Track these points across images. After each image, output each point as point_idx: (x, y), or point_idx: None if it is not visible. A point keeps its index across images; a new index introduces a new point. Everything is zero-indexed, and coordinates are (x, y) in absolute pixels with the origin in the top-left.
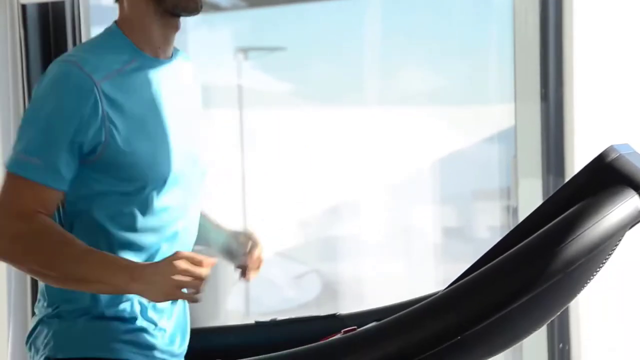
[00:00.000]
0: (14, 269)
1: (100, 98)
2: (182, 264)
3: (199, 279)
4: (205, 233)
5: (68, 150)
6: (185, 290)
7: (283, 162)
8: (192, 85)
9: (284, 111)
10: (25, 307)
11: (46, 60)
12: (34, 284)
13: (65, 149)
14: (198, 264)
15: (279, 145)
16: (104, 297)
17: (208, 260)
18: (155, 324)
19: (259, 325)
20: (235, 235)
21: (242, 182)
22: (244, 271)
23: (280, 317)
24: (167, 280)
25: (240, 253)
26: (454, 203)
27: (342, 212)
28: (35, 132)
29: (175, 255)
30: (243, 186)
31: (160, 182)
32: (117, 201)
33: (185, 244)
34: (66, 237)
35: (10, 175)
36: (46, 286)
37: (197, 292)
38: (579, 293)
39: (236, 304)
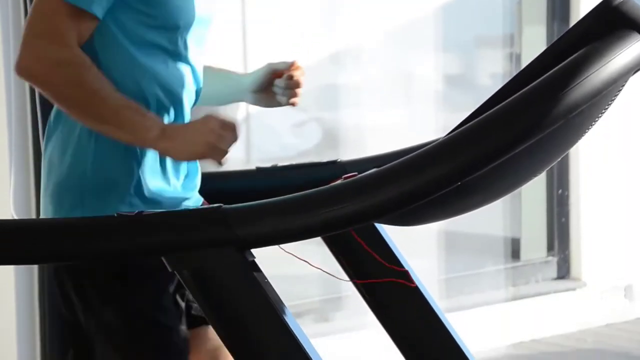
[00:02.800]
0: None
1: None
2: (216, 125)
3: (231, 141)
4: (221, 82)
5: None
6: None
7: (283, 7)
8: None
9: None
10: (32, 304)
11: None
12: (42, 282)
13: None
14: (229, 127)
15: None
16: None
17: (237, 126)
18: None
19: (259, 171)
20: (267, 67)
21: (243, 29)
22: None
23: (280, 164)
24: (200, 138)
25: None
26: (456, 50)
27: (343, 59)
28: None
29: (209, 117)
30: (243, 33)
31: (187, 27)
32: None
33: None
34: (104, 78)
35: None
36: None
37: (225, 153)
38: (580, 139)
39: (237, 151)
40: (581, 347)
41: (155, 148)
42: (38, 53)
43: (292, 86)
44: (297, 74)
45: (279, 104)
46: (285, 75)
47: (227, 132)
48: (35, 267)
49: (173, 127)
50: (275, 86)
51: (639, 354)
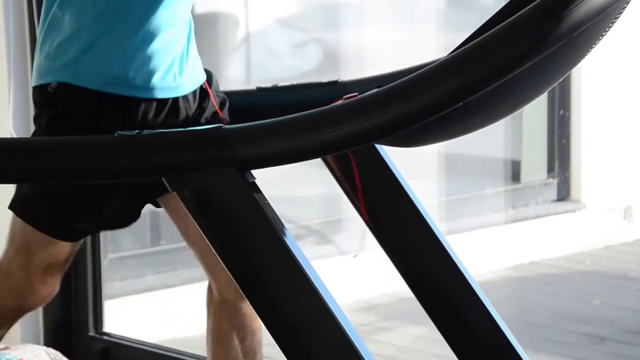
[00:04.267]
0: None
1: None
2: None
3: None
4: None
5: None
6: None
7: None
8: None
9: None
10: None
11: None
12: None
13: None
14: None
15: None
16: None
17: None
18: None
19: (260, 90)
20: None
21: None
22: None
23: (281, 84)
24: None
25: None
26: None
27: None
28: None
29: None
30: None
31: None
32: None
33: None
34: None
35: None
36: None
37: None
38: (582, 60)
39: (237, 71)
40: (580, 269)
41: None
42: None
43: None
44: None
45: None
46: None
47: None
48: None
49: None
50: None
51: (638, 275)
